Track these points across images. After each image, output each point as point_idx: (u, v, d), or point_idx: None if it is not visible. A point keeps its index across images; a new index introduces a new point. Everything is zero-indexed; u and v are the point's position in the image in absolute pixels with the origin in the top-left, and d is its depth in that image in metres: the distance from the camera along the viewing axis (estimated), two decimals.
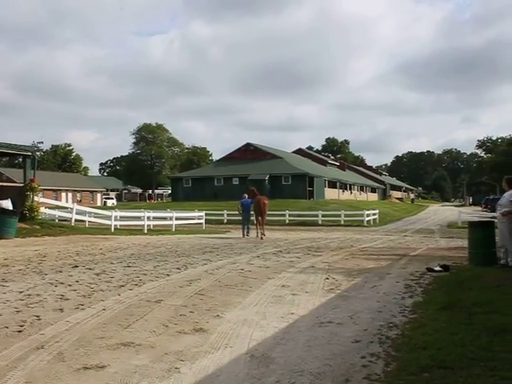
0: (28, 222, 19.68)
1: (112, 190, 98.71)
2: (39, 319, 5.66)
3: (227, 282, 8.47)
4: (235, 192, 48.81)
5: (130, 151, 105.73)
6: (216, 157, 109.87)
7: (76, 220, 23.53)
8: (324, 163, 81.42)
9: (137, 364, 4.21)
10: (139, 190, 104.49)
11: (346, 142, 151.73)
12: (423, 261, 11.65)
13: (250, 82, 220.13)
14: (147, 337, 5.02)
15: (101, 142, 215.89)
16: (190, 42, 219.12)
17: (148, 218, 26.27)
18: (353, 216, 35.39)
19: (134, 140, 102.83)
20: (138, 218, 26.97)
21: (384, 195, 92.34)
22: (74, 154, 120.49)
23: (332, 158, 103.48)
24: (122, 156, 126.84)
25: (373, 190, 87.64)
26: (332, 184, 66.07)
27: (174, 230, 26.46)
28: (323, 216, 34.89)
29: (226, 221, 35.36)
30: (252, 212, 22.14)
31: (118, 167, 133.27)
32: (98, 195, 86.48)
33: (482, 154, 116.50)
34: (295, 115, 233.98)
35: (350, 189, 74.49)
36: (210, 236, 21.98)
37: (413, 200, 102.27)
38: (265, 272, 9.77)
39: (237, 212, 24.13)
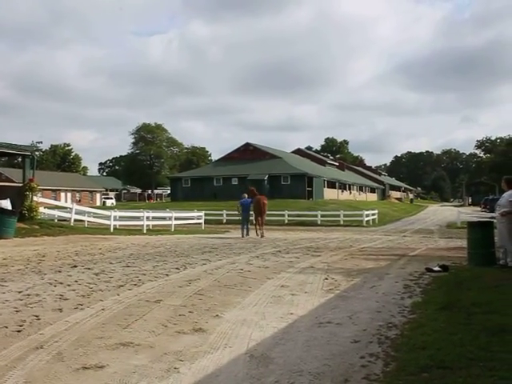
0: (27, 222, 19.67)
1: (111, 190, 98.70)
2: (38, 319, 5.65)
3: (226, 282, 8.47)
4: (234, 192, 48.84)
5: (129, 151, 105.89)
6: (215, 157, 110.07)
7: (75, 220, 23.53)
8: (323, 163, 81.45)
9: (136, 364, 4.21)
10: (138, 190, 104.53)
11: (346, 142, 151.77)
12: (422, 261, 11.65)
13: (249, 82, 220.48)
14: (146, 337, 5.02)
15: (100, 142, 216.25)
16: (189, 42, 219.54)
17: (147, 217, 26.27)
18: (352, 216, 35.40)
19: (133, 140, 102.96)
20: (138, 218, 26.98)
21: (383, 195, 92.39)
22: (73, 154, 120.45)
23: (331, 158, 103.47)
24: (121, 156, 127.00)
25: (372, 190, 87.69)
26: (331, 184, 66.11)
27: (173, 229, 26.45)
28: (322, 216, 34.90)
29: (225, 221, 35.37)
30: (251, 212, 22.22)
31: (117, 167, 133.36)
32: (97, 195, 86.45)
33: (481, 155, 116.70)
34: (294, 115, 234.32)
35: (349, 189, 74.53)
36: (209, 236, 21.98)
37: (412, 200, 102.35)
38: (264, 272, 9.77)
39: (236, 212, 24.16)
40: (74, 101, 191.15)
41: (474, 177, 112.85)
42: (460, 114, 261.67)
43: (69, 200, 71.05)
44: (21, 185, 21.43)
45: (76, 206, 25.54)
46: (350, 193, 73.84)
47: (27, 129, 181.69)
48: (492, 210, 24.86)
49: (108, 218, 24.27)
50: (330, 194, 63.26)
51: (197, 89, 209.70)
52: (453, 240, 19.82)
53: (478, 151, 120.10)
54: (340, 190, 69.25)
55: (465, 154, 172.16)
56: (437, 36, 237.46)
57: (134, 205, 59.47)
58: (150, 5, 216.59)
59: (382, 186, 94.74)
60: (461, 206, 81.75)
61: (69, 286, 7.87)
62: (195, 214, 31.16)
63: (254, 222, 22.33)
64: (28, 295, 7.03)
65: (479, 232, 10.43)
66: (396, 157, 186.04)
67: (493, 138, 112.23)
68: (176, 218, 28.36)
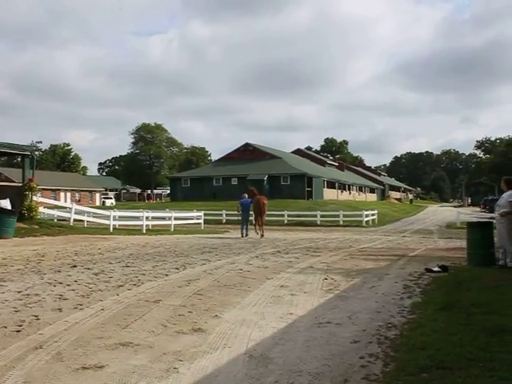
0: (26, 222, 19.67)
1: (111, 190, 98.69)
2: (38, 319, 5.65)
3: (226, 282, 8.46)
4: (234, 192, 48.85)
5: (129, 151, 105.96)
6: (215, 157, 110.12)
7: (75, 220, 23.51)
8: (323, 163, 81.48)
9: (135, 364, 4.20)
10: (138, 190, 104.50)
11: (345, 143, 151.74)
12: (422, 261, 11.65)
13: (248, 82, 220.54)
14: (146, 337, 5.02)
15: (99, 142, 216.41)
16: (189, 42, 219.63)
17: (147, 217, 26.26)
18: (351, 216, 35.40)
19: (133, 140, 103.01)
20: (137, 218, 26.96)
21: (383, 196, 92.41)
22: (72, 154, 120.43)
23: (331, 158, 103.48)
24: (120, 156, 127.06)
25: (371, 191, 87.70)
26: (331, 184, 66.13)
27: (172, 229, 26.45)
28: (322, 216, 34.91)
29: (224, 221, 35.36)
30: (251, 212, 22.26)
31: (116, 167, 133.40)
32: (97, 195, 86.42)
33: (481, 155, 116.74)
34: (294, 115, 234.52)
35: (349, 189, 74.55)
36: (208, 236, 21.97)
37: (411, 200, 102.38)
38: (263, 272, 9.77)
39: (236, 212, 24.17)
40: (74, 101, 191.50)
41: (473, 177, 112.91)
42: (460, 115, 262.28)
43: (68, 200, 71.00)
44: (20, 184, 21.43)
45: (75, 206, 25.54)
46: (350, 193, 73.86)
47: (27, 129, 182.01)
48: (491, 211, 24.88)
49: (107, 217, 24.26)
50: (329, 194, 63.28)
51: (196, 89, 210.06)
52: (452, 240, 19.82)
53: (477, 152, 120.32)
54: (339, 191, 69.27)
55: (464, 154, 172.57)
56: (437, 36, 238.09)
57: (133, 205, 59.46)
58: (149, 5, 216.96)
59: (381, 187, 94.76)
60: (460, 206, 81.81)
61: (68, 285, 7.87)
62: (195, 214, 31.15)
63: (254, 222, 22.36)
64: (27, 295, 7.03)
65: (479, 232, 10.43)
66: (395, 157, 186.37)
67: (492, 139, 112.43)
68: (175, 218, 28.35)
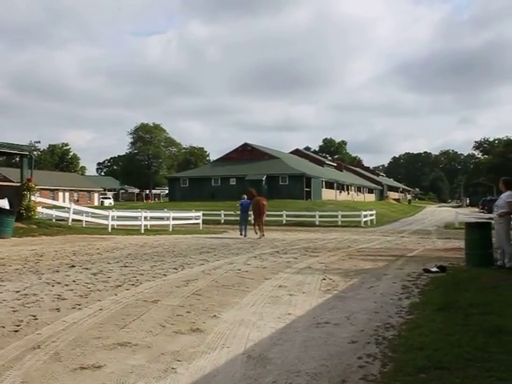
0: (25, 222, 19.66)
1: (109, 190, 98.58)
2: (36, 319, 5.65)
3: (224, 282, 8.46)
4: (232, 192, 48.86)
5: (128, 151, 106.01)
6: (213, 157, 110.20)
7: (73, 220, 23.49)
8: (321, 164, 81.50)
9: (133, 364, 4.20)
10: (136, 190, 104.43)
11: (344, 143, 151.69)
12: (420, 262, 11.67)
13: (247, 82, 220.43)
14: (144, 337, 5.02)
15: (98, 142, 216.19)
16: (188, 42, 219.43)
17: (145, 217, 26.24)
18: (350, 217, 35.43)
19: (132, 140, 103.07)
20: (135, 218, 26.95)
21: (381, 196, 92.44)
22: (71, 154, 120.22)
23: (329, 158, 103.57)
24: (119, 156, 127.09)
25: (370, 191, 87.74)
26: (329, 185, 66.15)
27: (171, 230, 26.46)
28: (320, 217, 34.93)
29: (223, 221, 35.35)
30: (250, 212, 22.41)
31: (115, 167, 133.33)
32: (96, 195, 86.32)
33: (479, 156, 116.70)
34: (293, 115, 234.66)
35: (348, 189, 74.57)
36: (207, 236, 21.98)
37: (410, 201, 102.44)
38: (262, 272, 9.77)
39: (233, 212, 24.26)
40: (73, 101, 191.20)
41: (472, 178, 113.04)
42: (458, 115, 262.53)
43: (67, 200, 70.92)
44: (19, 184, 21.41)
45: (74, 206, 25.49)
46: (348, 193, 73.88)
47: (25, 128, 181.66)
48: (490, 211, 24.89)
49: (106, 217, 24.23)
50: (328, 194, 63.29)
51: (195, 89, 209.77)
52: (450, 241, 19.84)
53: (476, 152, 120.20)
54: (338, 191, 69.28)
55: (463, 154, 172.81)
56: (435, 37, 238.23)
57: (131, 205, 59.42)
58: (148, 5, 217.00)
59: (379, 187, 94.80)
60: (459, 206, 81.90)
61: (66, 285, 7.87)
62: (193, 214, 31.15)
63: (253, 222, 22.48)
64: (25, 295, 7.02)
65: (477, 233, 10.44)
66: (394, 157, 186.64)
67: (491, 139, 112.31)
68: (174, 218, 28.37)
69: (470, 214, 40.48)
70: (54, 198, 61.04)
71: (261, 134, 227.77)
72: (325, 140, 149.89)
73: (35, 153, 27.16)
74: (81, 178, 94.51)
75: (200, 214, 30.96)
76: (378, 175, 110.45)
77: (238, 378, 3.92)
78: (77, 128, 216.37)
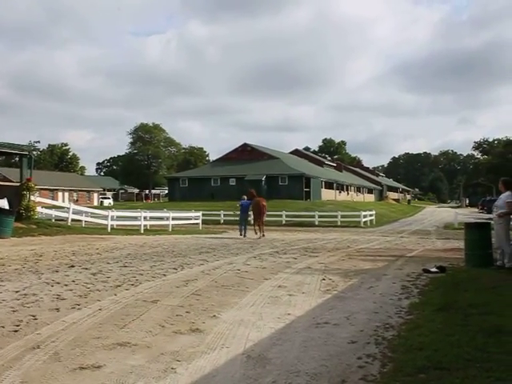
0: (24, 222, 19.66)
1: (109, 190, 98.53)
2: (35, 319, 5.65)
3: (224, 282, 8.46)
4: (232, 192, 48.90)
5: (127, 151, 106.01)
6: (213, 157, 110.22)
7: (73, 220, 23.47)
8: (321, 164, 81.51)
9: (133, 364, 4.20)
10: (136, 190, 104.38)
11: (343, 143, 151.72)
12: (419, 262, 11.67)
13: (247, 82, 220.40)
14: (143, 337, 5.02)
15: (97, 142, 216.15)
16: (187, 43, 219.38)
17: (145, 217, 26.23)
18: (349, 217, 35.44)
19: (131, 140, 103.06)
20: (135, 218, 26.93)
21: (381, 196, 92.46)
22: (70, 154, 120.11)
23: (329, 158, 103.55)
24: (118, 156, 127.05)
25: (369, 191, 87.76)
26: (329, 185, 66.17)
27: (170, 230, 26.47)
28: (320, 217, 34.92)
29: (222, 221, 35.33)
30: (250, 213, 22.52)
31: (114, 167, 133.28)
32: (95, 195, 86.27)
33: (479, 156, 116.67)
34: (292, 116, 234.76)
35: (347, 190, 74.58)
36: (206, 236, 21.98)
37: (409, 201, 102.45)
38: (261, 273, 9.77)
39: (233, 212, 24.34)
40: (72, 101, 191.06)
41: (471, 178, 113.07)
42: (458, 116, 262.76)
43: (66, 200, 70.89)
44: (18, 184, 21.40)
45: (73, 206, 25.48)
46: (348, 194, 73.89)
47: (25, 128, 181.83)
48: (489, 212, 24.90)
49: (105, 217, 24.21)
50: (327, 194, 63.30)
51: (195, 89, 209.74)
52: (450, 241, 19.85)
53: (475, 152, 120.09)
54: (338, 191, 69.29)
55: (462, 155, 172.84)
56: (435, 37, 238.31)
57: (131, 205, 59.38)
58: (147, 5, 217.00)
59: (379, 187, 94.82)
60: (458, 207, 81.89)
61: (66, 285, 7.86)
62: (193, 214, 31.14)
63: (252, 222, 22.55)
64: (25, 295, 7.02)
65: (476, 233, 10.44)
66: (393, 158, 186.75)
67: (490, 140, 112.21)
68: (173, 218, 28.38)
69: (470, 214, 40.49)
70: (53, 198, 60.95)
71: (260, 134, 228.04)
72: (324, 140, 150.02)
73: (35, 153, 27.15)
74: (80, 178, 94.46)
75: (199, 214, 30.96)
76: (377, 175, 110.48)
77: (237, 378, 3.92)
78: (76, 128, 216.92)
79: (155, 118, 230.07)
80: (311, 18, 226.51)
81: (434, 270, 9.88)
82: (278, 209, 35.76)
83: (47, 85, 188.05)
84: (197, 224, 30.33)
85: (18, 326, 5.34)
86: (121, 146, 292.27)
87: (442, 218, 45.49)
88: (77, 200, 75.17)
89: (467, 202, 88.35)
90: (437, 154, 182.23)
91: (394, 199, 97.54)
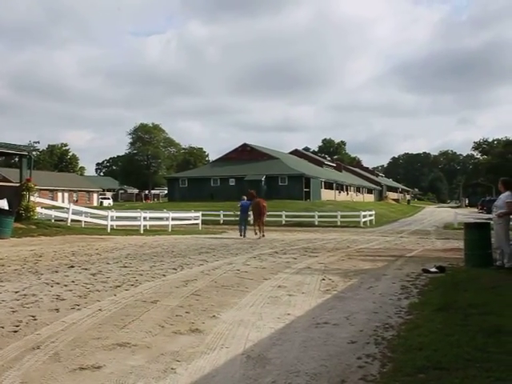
0: (24, 222, 19.64)
1: (108, 190, 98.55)
2: (35, 319, 5.65)
3: (223, 282, 8.46)
4: (232, 193, 48.91)
5: (127, 151, 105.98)
6: (212, 157, 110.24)
7: (72, 220, 23.47)
8: (320, 164, 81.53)
9: (133, 364, 4.20)
10: (135, 190, 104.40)
11: (343, 143, 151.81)
12: (419, 262, 11.67)
13: (246, 82, 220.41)
14: (143, 337, 5.02)
15: (97, 142, 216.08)
16: (187, 43, 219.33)
17: (144, 218, 26.23)
18: (349, 217, 35.46)
19: (131, 140, 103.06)
20: (135, 219, 26.93)
21: (380, 196, 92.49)
22: (70, 154, 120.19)
23: (328, 159, 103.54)
24: (118, 156, 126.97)
25: (369, 191, 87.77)
26: (328, 185, 66.17)
27: (170, 230, 26.47)
28: (320, 217, 34.94)
29: (222, 221, 35.35)
30: (250, 213, 22.57)
31: (114, 167, 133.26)
32: (95, 195, 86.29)
33: (478, 156, 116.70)
34: (292, 116, 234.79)
35: (347, 190, 74.60)
36: (206, 236, 21.98)
37: (409, 201, 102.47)
38: (261, 273, 9.77)
39: (233, 213, 24.39)
40: (72, 101, 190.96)
41: (471, 178, 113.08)
42: (457, 116, 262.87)
43: (66, 200, 70.86)
44: (18, 185, 21.39)
45: (73, 206, 25.47)
46: (348, 194, 73.90)
47: (24, 128, 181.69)
48: (489, 212, 24.90)
49: (105, 218, 24.21)
50: (327, 194, 63.31)
51: (194, 89, 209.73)
52: (450, 241, 19.86)
53: (475, 152, 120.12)
54: (337, 191, 69.31)
55: (462, 155, 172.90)
56: (434, 37, 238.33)
57: (131, 205, 59.40)
58: (147, 5, 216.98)
59: (379, 187, 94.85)
60: (458, 207, 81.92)
61: (66, 286, 7.86)
62: (192, 214, 31.14)
63: (252, 222, 22.59)
64: (25, 295, 7.02)
65: (476, 233, 10.44)
66: (393, 158, 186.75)
67: (490, 140, 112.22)
68: (173, 219, 28.38)
69: (469, 214, 40.48)
70: (53, 199, 60.97)
71: (260, 134, 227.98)
72: (324, 140, 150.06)
73: (34, 153, 27.14)
74: (80, 179, 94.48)
75: (199, 214, 30.96)
76: (377, 175, 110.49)
77: (237, 378, 3.92)
78: (76, 128, 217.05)
79: (155, 118, 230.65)
80: (311, 18, 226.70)
81: (433, 270, 9.88)
82: (278, 209, 35.76)
83: (47, 85, 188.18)
84: (196, 224, 30.33)
85: (17, 326, 5.34)
86: (120, 146, 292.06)
87: (442, 218, 45.52)
88: (76, 200, 75.17)
89: (467, 202, 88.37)
90: (436, 154, 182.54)
91: (394, 199, 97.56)
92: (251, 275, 9.38)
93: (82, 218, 25.12)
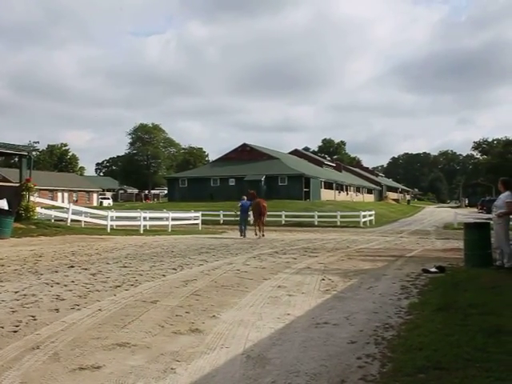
0: (24, 222, 19.64)
1: (108, 190, 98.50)
2: (35, 319, 5.64)
3: (223, 282, 8.46)
4: (231, 193, 48.94)
5: (127, 151, 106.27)
6: (212, 157, 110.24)
7: (72, 220, 23.47)
8: (320, 164, 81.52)
9: (132, 364, 4.20)
10: (135, 191, 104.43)
11: (343, 143, 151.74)
12: (419, 262, 11.67)
13: (246, 82, 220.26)
14: (143, 337, 5.02)
15: (97, 142, 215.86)
16: (187, 43, 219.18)
17: (144, 218, 26.23)
18: (349, 217, 35.46)
19: (131, 140, 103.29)
20: (134, 219, 26.94)
21: (380, 196, 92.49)
22: (70, 154, 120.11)
23: (328, 159, 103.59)
24: (118, 156, 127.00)
25: (369, 191, 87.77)
26: (328, 185, 66.17)
27: (170, 230, 26.47)
28: (319, 217, 34.95)
29: (222, 221, 35.36)
30: (250, 213, 22.59)
31: (114, 167, 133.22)
32: (94, 195, 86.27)
33: (478, 156, 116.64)
34: (291, 116, 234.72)
35: (347, 190, 74.60)
36: (206, 236, 21.98)
37: (409, 201, 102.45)
38: (261, 273, 9.77)
39: (233, 212, 24.41)
40: (72, 101, 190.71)
41: (470, 178, 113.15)
42: (457, 116, 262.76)
43: (66, 200, 70.84)
44: (18, 185, 21.39)
45: (73, 206, 25.46)
46: (347, 194, 73.90)
47: (24, 128, 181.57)
48: (489, 212, 24.91)
49: (105, 218, 24.21)
50: (327, 194, 63.31)
51: (194, 89, 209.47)
52: (449, 241, 19.86)
53: (474, 152, 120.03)
54: (337, 191, 69.31)
55: (462, 155, 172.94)
56: (434, 38, 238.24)
57: (130, 205, 59.42)
58: (147, 5, 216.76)
59: (378, 187, 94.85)
60: (457, 207, 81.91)
61: (65, 286, 7.86)
62: (192, 214, 31.15)
63: (252, 223, 22.62)
64: (24, 295, 7.02)
65: (476, 233, 10.44)
66: (393, 158, 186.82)
67: (490, 140, 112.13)
68: (173, 219, 28.37)
69: (469, 214, 40.49)
70: (52, 199, 60.99)
71: (260, 134, 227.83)
72: (324, 140, 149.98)
73: (34, 153, 27.15)
74: (80, 179, 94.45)
75: (199, 214, 30.97)
76: (377, 175, 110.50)
77: (237, 378, 3.92)
78: (76, 128, 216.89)
79: (155, 118, 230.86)
80: (310, 19, 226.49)
81: (433, 270, 9.88)
82: (278, 209, 35.77)
83: (46, 85, 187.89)
84: (196, 224, 30.33)
85: (17, 326, 5.34)
86: (120, 146, 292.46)
87: (442, 218, 45.52)
88: (76, 200, 75.16)
89: (467, 202, 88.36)
90: (436, 154, 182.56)
91: (394, 199, 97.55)
92: (251, 275, 9.38)
93: (82, 218, 25.12)
